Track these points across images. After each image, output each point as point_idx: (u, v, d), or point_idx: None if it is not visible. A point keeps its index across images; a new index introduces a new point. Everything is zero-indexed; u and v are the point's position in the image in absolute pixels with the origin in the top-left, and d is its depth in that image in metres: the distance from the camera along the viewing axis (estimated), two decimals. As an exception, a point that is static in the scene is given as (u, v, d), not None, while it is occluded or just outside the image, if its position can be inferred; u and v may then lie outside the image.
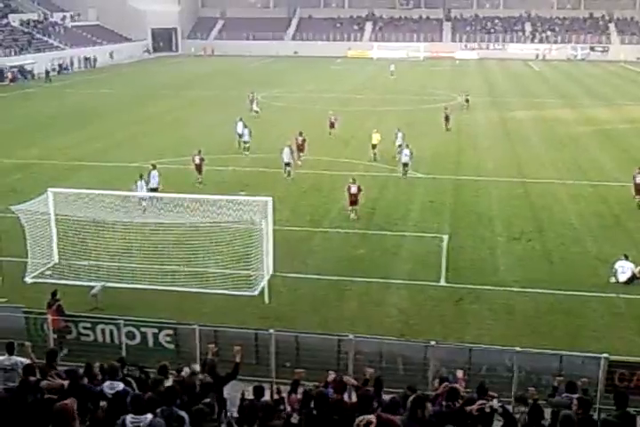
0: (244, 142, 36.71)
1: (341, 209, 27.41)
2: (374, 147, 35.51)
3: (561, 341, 16.55)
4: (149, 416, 7.96)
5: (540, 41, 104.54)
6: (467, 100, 53.32)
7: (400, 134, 35.61)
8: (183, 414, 8.34)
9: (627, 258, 20.85)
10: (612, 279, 20.49)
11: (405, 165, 32.22)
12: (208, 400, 9.47)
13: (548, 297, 19.62)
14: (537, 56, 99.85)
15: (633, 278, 20.45)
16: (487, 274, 21.29)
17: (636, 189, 27.72)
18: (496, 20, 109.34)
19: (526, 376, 14.03)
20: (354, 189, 26.20)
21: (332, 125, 41.97)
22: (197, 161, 30.69)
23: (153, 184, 27.25)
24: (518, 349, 14.15)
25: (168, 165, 32.34)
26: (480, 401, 9.41)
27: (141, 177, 26.66)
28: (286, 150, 31.83)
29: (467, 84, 70.06)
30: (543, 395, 11.60)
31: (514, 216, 26.95)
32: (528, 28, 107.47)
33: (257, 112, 47.23)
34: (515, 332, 17.39)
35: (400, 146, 34.40)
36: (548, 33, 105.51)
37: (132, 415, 7.97)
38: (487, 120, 48.88)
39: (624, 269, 20.54)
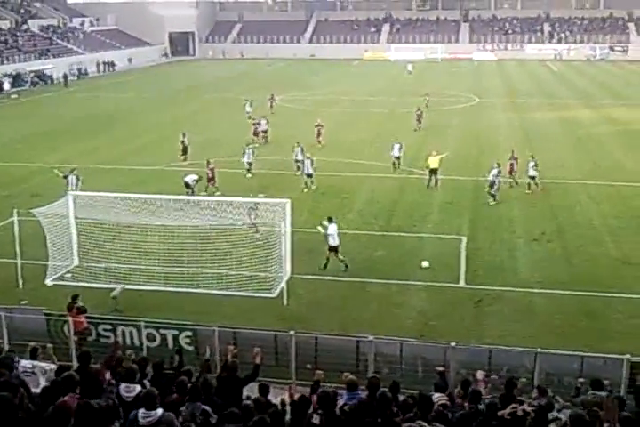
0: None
1: (360, 210, 27.58)
2: (434, 172, 30.74)
3: (583, 342, 16.38)
4: (160, 411, 8.09)
5: (559, 41, 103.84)
6: (426, 102, 51.25)
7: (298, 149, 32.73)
8: (207, 408, 8.57)
9: (331, 220, 21.53)
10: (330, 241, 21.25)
11: (532, 178, 29.82)
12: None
13: (570, 298, 19.48)
14: (555, 56, 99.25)
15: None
16: (507, 275, 21.18)
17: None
18: (514, 21, 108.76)
19: (547, 378, 13.93)
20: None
21: (318, 135, 38.93)
22: (210, 171, 29.80)
23: (190, 178, 28.16)
24: (539, 350, 14.07)
25: (187, 168, 32.45)
26: (512, 405, 9.32)
27: (73, 171, 28.09)
28: None
29: (485, 85, 69.90)
30: (566, 396, 11.52)
31: (533, 217, 26.78)
32: (546, 28, 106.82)
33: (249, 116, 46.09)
34: (535, 333, 17.27)
35: (299, 161, 32.01)
36: (567, 33, 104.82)
37: (144, 410, 8.10)
38: (507, 121, 48.61)
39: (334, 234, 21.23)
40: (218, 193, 28.16)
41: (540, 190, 29.65)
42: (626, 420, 8.56)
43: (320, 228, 21.69)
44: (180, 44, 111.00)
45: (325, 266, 21.35)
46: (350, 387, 9.94)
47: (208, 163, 30.07)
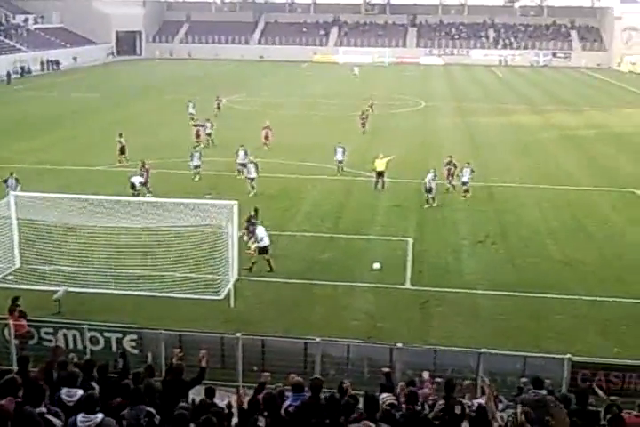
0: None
1: (307, 212, 27.60)
2: (381, 174, 31.05)
3: (525, 342, 16.68)
4: (100, 416, 7.99)
5: (504, 47, 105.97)
6: (371, 106, 50.79)
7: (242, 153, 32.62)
8: (151, 409, 8.53)
9: (256, 212, 22.10)
10: (253, 245, 21.54)
11: (464, 183, 30.12)
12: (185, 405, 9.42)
13: (513, 299, 19.82)
14: (500, 62, 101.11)
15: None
16: (452, 277, 21.42)
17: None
18: (460, 27, 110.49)
19: (491, 378, 14.12)
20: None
21: (266, 138, 38.91)
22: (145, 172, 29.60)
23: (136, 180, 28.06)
24: (483, 350, 14.28)
25: (131, 169, 32.04)
26: (440, 401, 9.45)
27: (12, 174, 27.17)
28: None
29: (432, 89, 70.75)
30: (509, 396, 11.72)
31: (478, 220, 27.17)
32: (492, 34, 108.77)
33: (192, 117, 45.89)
34: (480, 334, 17.48)
35: (242, 164, 31.64)
36: (512, 39, 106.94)
37: (84, 414, 7.97)
38: (453, 125, 49.29)
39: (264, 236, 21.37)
40: (148, 195, 28.22)
41: (470, 197, 29.95)
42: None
43: (252, 250, 21.57)
44: (126, 43, 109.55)
45: (271, 268, 21.32)
46: (296, 388, 9.96)
47: (143, 164, 29.75)
